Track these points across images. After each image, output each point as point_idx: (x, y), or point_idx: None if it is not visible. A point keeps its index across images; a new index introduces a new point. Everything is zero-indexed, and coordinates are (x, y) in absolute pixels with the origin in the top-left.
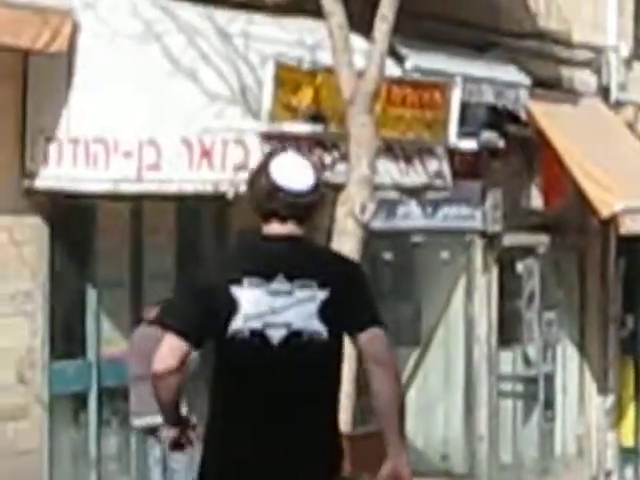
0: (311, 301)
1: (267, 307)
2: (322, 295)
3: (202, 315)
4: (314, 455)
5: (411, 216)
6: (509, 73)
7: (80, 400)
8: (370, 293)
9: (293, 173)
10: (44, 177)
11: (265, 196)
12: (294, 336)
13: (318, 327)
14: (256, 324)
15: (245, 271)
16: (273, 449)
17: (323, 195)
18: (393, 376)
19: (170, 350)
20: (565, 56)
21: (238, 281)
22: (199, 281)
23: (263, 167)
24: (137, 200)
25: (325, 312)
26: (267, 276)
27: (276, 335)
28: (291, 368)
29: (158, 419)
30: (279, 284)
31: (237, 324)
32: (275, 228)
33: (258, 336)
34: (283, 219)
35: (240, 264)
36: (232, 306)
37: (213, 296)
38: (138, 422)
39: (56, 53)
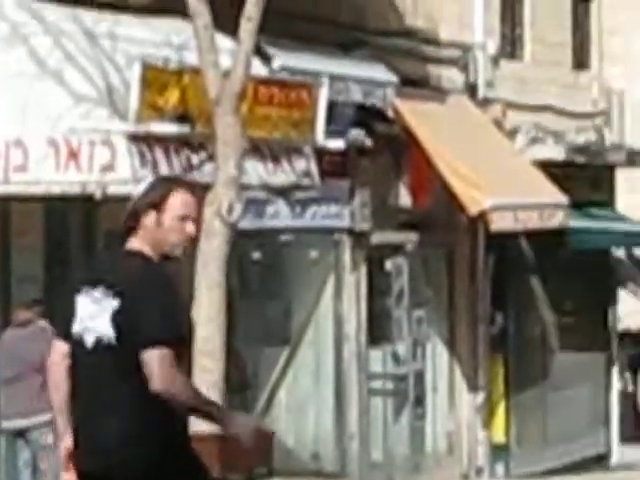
0: (108, 309)
1: (87, 313)
2: (115, 304)
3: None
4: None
5: (279, 215)
6: (376, 71)
7: None
8: (159, 306)
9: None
10: None
11: None
12: (99, 341)
13: (111, 334)
14: (78, 328)
15: (84, 279)
16: (89, 447)
17: (137, 206)
18: (169, 398)
19: (54, 349)
20: (432, 54)
21: (78, 289)
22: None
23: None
24: (4, 202)
25: (116, 321)
26: (93, 284)
27: (89, 340)
28: (98, 372)
29: (26, 422)
30: (98, 293)
31: (74, 327)
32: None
33: (79, 339)
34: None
35: (85, 272)
36: (74, 310)
37: (73, 301)
38: (7, 424)
39: None
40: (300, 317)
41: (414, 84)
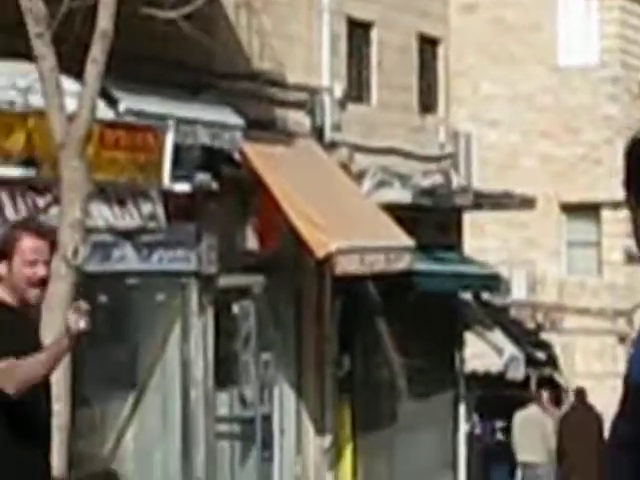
0: None
1: None
2: None
3: None
4: None
5: (126, 259)
6: (223, 115)
7: None
8: None
9: None
10: None
11: None
12: None
13: None
14: None
15: None
16: None
17: None
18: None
19: None
20: (279, 97)
21: None
22: None
23: None
24: None
25: None
26: None
27: None
28: None
29: None
30: None
31: None
32: None
33: None
34: None
35: None
36: None
37: None
38: None
39: None
40: (147, 361)
41: (261, 127)
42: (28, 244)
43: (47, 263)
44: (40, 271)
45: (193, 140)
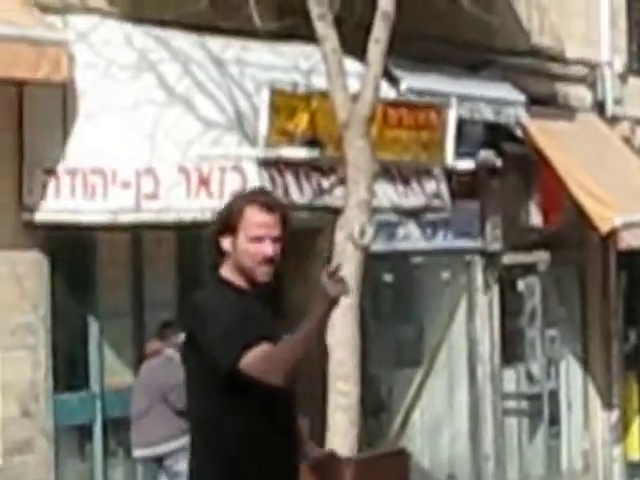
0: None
1: None
2: (182, 337)
3: None
4: None
5: (410, 238)
6: (504, 91)
7: (85, 432)
8: (208, 336)
9: None
10: (43, 210)
11: None
12: None
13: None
14: None
15: None
16: None
17: (212, 231)
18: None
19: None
20: (559, 72)
21: None
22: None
23: None
24: (136, 230)
25: (184, 353)
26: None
27: None
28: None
29: (160, 449)
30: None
31: None
32: None
33: None
34: None
35: None
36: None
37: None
38: (142, 453)
39: (54, 84)
40: (433, 339)
41: (542, 103)
42: (255, 218)
43: (276, 240)
44: (266, 249)
45: (476, 116)
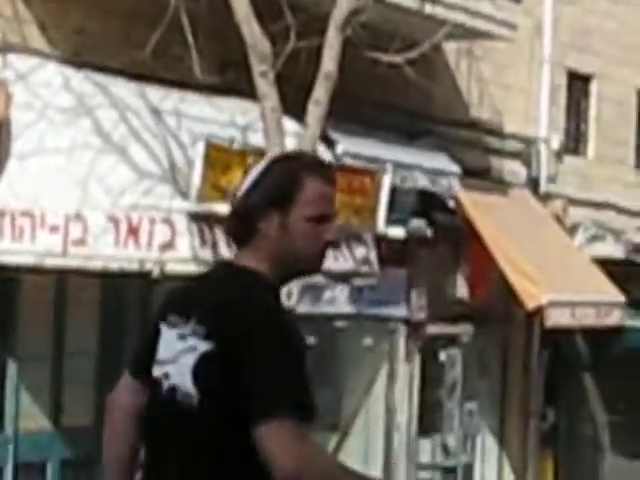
0: (191, 353)
1: (171, 353)
2: (203, 347)
3: (146, 353)
4: None
5: (336, 301)
6: (440, 161)
7: None
8: (276, 363)
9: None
10: None
11: None
12: (172, 392)
13: (189, 389)
14: (157, 372)
15: (172, 307)
16: None
17: (249, 205)
18: None
19: (123, 386)
20: (496, 146)
21: (164, 317)
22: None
23: None
24: (62, 275)
25: (201, 371)
26: (186, 315)
27: (164, 387)
28: (165, 432)
29: None
30: (188, 326)
31: (154, 369)
32: None
33: (156, 387)
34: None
35: (172, 298)
36: (154, 346)
37: (151, 331)
38: None
39: None
40: (352, 404)
41: (476, 175)
42: (320, 191)
43: (333, 220)
44: (330, 232)
45: (410, 185)
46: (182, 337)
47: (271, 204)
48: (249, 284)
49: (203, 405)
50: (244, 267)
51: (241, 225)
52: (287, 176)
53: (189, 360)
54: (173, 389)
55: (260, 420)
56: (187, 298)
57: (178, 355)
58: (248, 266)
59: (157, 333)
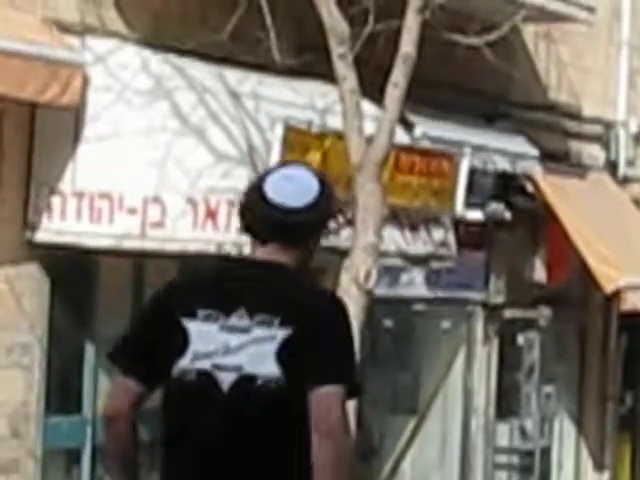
0: (270, 341)
1: (220, 345)
2: (282, 334)
3: (150, 350)
4: None
5: (414, 284)
6: (518, 144)
7: (73, 456)
8: (343, 342)
9: (286, 186)
10: (47, 230)
11: (247, 210)
12: (245, 381)
13: (275, 372)
14: (204, 364)
15: (201, 301)
16: None
17: (321, 217)
18: (332, 449)
19: (118, 391)
20: (574, 129)
21: (191, 312)
22: (148, 310)
23: (259, 178)
24: (140, 257)
25: (285, 355)
26: (226, 309)
27: (227, 379)
28: (240, 419)
29: None
30: (238, 319)
31: (184, 363)
32: (257, 252)
33: (206, 379)
34: (263, 241)
35: (197, 292)
36: (181, 341)
37: (161, 327)
38: None
39: (65, 106)
40: (429, 387)
41: (554, 159)
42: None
43: None
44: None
45: (490, 167)
46: (232, 329)
47: (324, 227)
48: (297, 277)
49: (290, 384)
50: (287, 266)
51: (285, 234)
52: (335, 204)
53: (267, 347)
54: (247, 377)
55: (326, 386)
56: (223, 293)
57: (245, 345)
58: (285, 263)
59: (170, 328)
